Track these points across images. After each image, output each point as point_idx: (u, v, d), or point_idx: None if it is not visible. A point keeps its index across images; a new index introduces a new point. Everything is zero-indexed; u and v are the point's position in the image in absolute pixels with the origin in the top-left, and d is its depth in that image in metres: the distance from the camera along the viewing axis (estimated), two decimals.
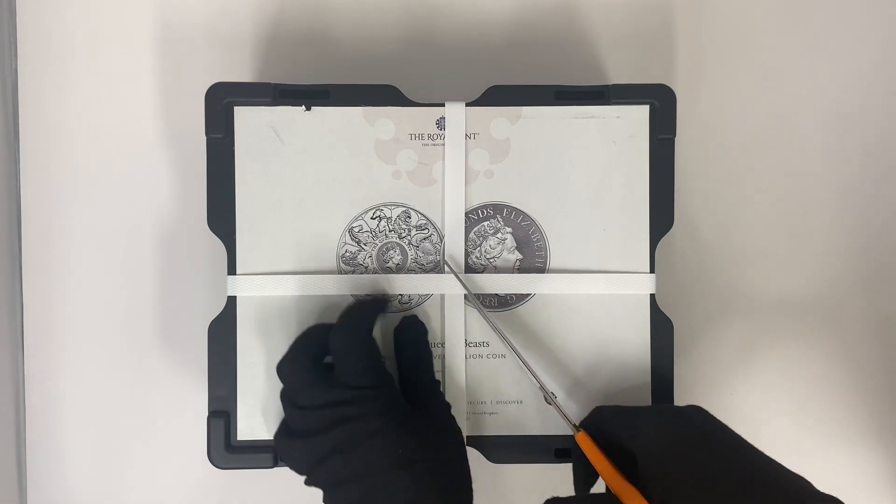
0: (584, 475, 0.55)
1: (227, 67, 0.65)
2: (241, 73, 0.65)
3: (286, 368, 0.54)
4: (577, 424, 0.55)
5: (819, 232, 0.66)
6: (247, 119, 0.58)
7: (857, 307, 0.66)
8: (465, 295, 0.59)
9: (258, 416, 0.59)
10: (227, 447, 0.58)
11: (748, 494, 0.45)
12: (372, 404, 0.52)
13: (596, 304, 0.59)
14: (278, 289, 0.58)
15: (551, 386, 0.59)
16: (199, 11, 0.65)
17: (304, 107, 0.58)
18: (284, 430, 0.55)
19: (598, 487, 0.54)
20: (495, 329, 0.57)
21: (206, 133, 0.58)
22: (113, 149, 0.65)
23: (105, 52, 0.65)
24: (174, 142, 0.65)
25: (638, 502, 0.48)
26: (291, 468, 0.54)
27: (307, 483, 0.53)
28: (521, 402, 0.60)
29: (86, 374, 0.65)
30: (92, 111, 0.65)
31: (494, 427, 0.60)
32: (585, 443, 0.53)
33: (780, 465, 0.48)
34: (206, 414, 0.59)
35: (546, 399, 0.57)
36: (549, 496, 0.50)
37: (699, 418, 0.51)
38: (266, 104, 0.58)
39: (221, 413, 0.59)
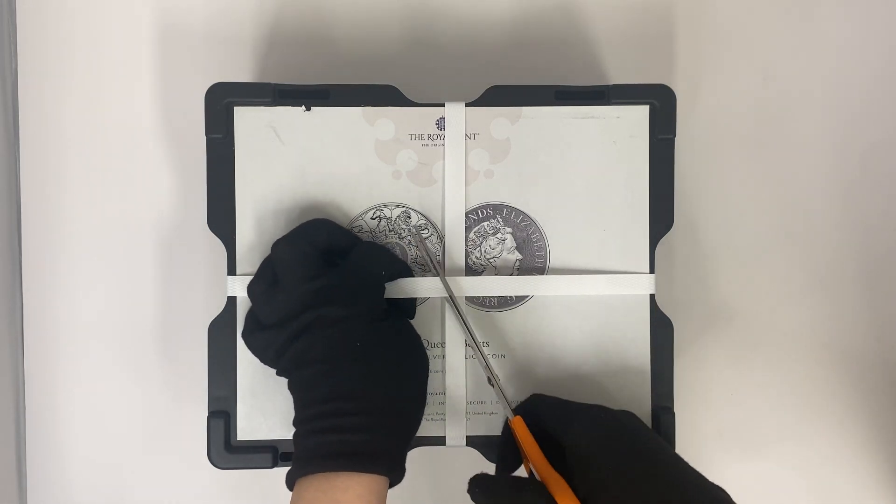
0: (509, 461, 0.56)
1: (227, 67, 0.65)
2: (241, 73, 0.65)
3: (282, 252, 0.55)
4: (514, 409, 0.56)
5: (819, 231, 0.66)
6: (247, 119, 0.58)
7: (857, 307, 0.66)
8: (466, 297, 0.59)
9: (258, 417, 0.59)
10: (226, 447, 0.58)
11: (669, 496, 0.47)
12: (343, 296, 0.53)
13: (596, 305, 0.59)
14: None
15: (550, 384, 0.59)
16: (199, 11, 0.65)
17: (303, 107, 0.58)
18: (253, 324, 0.56)
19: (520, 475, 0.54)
20: (461, 320, 0.58)
21: (206, 133, 0.58)
22: (113, 149, 0.65)
23: (105, 52, 0.65)
24: (174, 142, 0.65)
25: (564, 492, 0.49)
26: (261, 359, 0.55)
27: (278, 374, 0.55)
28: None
29: (86, 374, 0.65)
30: (92, 111, 0.65)
31: (495, 427, 0.60)
32: (520, 428, 0.54)
33: (700, 475, 0.49)
34: (206, 414, 0.59)
35: (489, 381, 0.57)
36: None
37: (631, 423, 0.52)
38: (266, 104, 0.58)
39: (221, 413, 0.59)
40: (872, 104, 0.66)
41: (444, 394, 0.59)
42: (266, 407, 0.59)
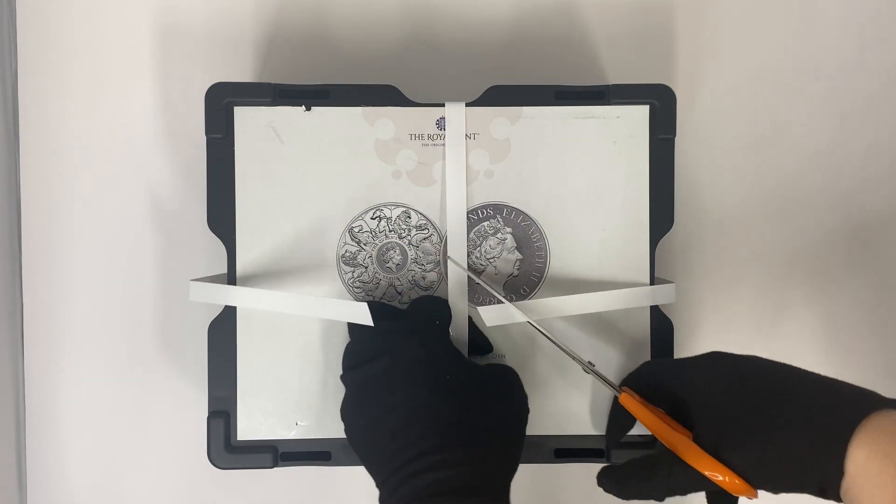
0: (618, 435, 0.57)
1: (227, 67, 0.65)
2: (242, 73, 0.65)
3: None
4: (619, 385, 0.55)
5: (818, 231, 0.66)
6: (247, 119, 0.58)
7: (856, 307, 0.66)
8: (468, 299, 0.59)
9: (258, 417, 0.59)
10: (227, 447, 0.58)
11: (802, 426, 0.45)
12: (416, 337, 0.53)
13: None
14: (276, 304, 0.58)
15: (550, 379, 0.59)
16: (199, 12, 0.65)
17: (304, 107, 0.58)
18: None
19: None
20: (522, 314, 0.57)
21: (206, 133, 0.58)
22: (113, 149, 0.65)
23: (105, 52, 0.65)
24: (174, 142, 0.65)
25: (691, 449, 0.48)
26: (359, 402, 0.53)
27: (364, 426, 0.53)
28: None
29: (86, 374, 0.65)
30: (92, 111, 0.65)
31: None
32: (630, 402, 0.53)
33: (843, 383, 0.47)
34: (206, 414, 0.59)
35: (584, 369, 0.56)
36: (547, 496, 0.50)
37: (753, 362, 0.50)
38: (266, 104, 0.58)
39: (221, 413, 0.59)
40: (871, 104, 0.66)
41: None
42: (266, 407, 0.59)
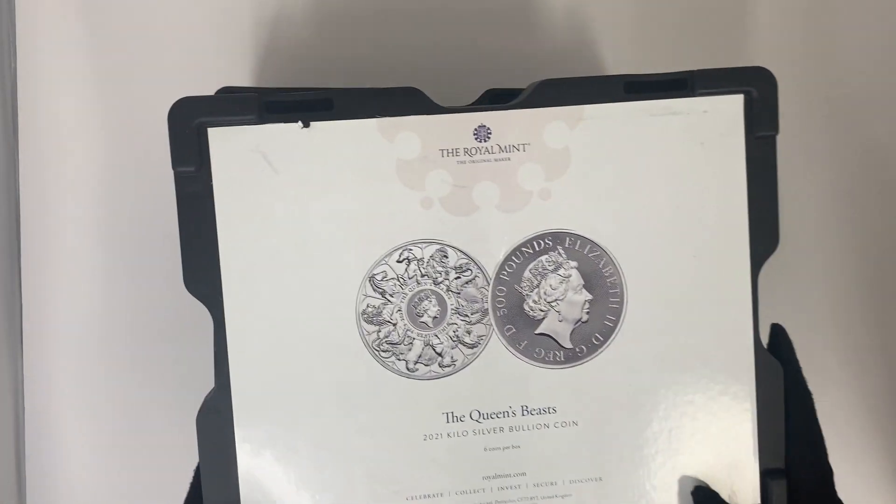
0: None
1: (227, 70, 0.59)
2: (242, 76, 0.57)
3: None
4: None
5: None
6: (225, 143, 0.44)
7: None
8: (519, 345, 0.46)
9: None
10: None
11: None
12: None
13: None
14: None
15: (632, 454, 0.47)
16: (201, 12, 0.60)
17: (300, 123, 0.45)
18: None
19: None
20: None
21: (174, 166, 0.44)
22: (112, 148, 0.60)
23: (105, 52, 0.60)
24: None
25: None
26: None
27: None
28: (601, 478, 0.47)
29: (85, 374, 0.63)
30: (92, 111, 0.60)
31: None
32: None
33: None
34: None
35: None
36: None
37: None
38: (250, 122, 0.44)
39: None
40: None
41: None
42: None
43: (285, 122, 0.44)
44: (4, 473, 0.63)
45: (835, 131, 0.53)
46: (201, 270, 0.45)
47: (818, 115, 0.54)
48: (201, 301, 0.45)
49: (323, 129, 0.45)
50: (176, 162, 0.44)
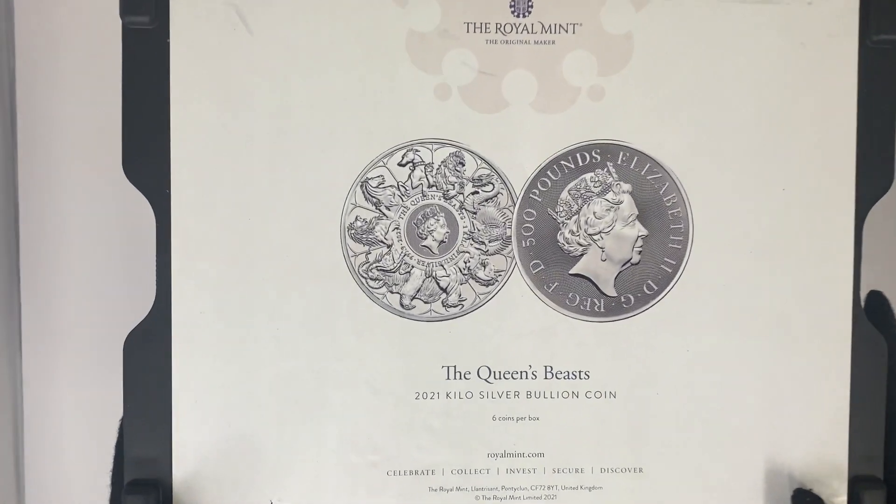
0: None
1: None
2: None
3: None
4: None
5: None
6: None
7: None
8: (548, 287, 0.36)
9: (207, 490, 0.36)
10: None
11: None
12: None
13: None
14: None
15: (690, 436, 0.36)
16: None
17: None
18: None
19: None
20: None
21: (122, 14, 0.35)
22: (112, 148, 0.53)
23: (105, 52, 0.52)
24: None
25: None
26: None
27: None
28: (641, 469, 0.37)
29: (85, 374, 0.58)
30: (91, 111, 0.54)
31: None
32: None
33: None
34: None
35: None
36: None
37: None
38: None
39: (145, 485, 0.36)
40: None
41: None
42: (223, 475, 0.36)
43: None
44: (4, 473, 0.60)
45: None
46: (145, 154, 0.36)
47: None
48: (142, 192, 0.37)
49: None
50: (125, 8, 0.35)
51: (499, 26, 0.36)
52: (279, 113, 0.36)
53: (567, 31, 0.36)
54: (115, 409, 0.58)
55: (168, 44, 0.35)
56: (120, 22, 0.39)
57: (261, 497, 0.36)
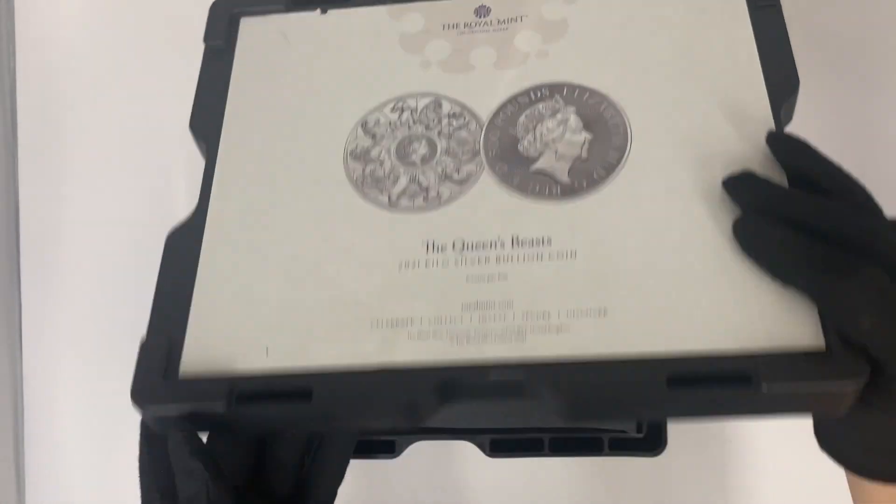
0: None
1: None
2: None
3: None
4: None
5: None
6: (254, 28, 0.50)
7: None
8: (512, 181, 0.42)
9: (214, 341, 0.41)
10: (160, 381, 0.39)
11: None
12: None
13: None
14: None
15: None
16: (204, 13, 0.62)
17: (319, 10, 0.50)
18: None
19: None
20: None
21: (205, 40, 0.50)
22: (112, 147, 0.64)
23: (105, 51, 0.63)
24: (175, 140, 0.59)
25: None
26: None
27: None
28: (605, 311, 0.39)
29: (85, 374, 0.62)
30: (91, 110, 0.63)
31: (564, 347, 0.38)
32: None
33: None
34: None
35: None
36: None
37: None
38: (278, 11, 0.50)
39: (161, 336, 0.41)
40: None
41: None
42: (228, 329, 0.41)
43: (308, 10, 0.50)
44: (4, 473, 0.62)
45: None
46: (207, 113, 0.47)
47: None
48: (200, 140, 0.47)
49: (338, 14, 0.50)
50: (208, 37, 0.50)
51: (466, 24, 0.48)
52: (303, 86, 0.47)
53: (517, 21, 0.48)
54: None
55: (233, 56, 0.49)
56: None
57: (257, 345, 0.40)
